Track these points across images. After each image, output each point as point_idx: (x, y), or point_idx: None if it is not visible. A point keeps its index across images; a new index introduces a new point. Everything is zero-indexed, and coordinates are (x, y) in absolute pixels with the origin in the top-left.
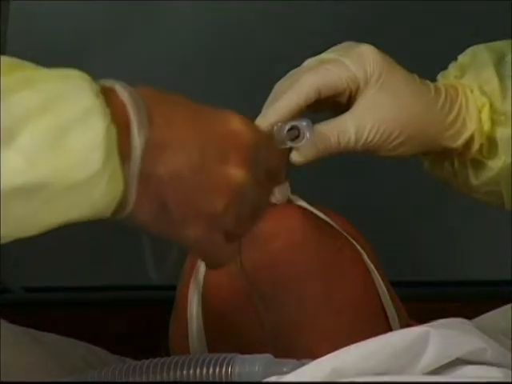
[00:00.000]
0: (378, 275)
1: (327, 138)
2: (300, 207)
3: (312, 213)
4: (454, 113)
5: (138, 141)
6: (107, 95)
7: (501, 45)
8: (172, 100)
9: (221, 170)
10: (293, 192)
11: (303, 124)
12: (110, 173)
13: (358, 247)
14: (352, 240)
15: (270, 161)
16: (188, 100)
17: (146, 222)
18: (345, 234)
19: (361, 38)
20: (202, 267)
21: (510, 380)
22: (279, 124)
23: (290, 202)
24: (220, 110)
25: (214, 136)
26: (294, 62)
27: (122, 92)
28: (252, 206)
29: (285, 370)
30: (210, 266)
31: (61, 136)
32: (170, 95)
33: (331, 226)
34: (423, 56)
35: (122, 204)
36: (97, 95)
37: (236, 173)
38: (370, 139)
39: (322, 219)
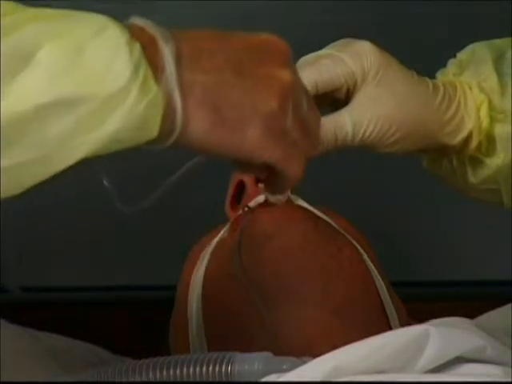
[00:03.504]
0: (378, 275)
1: (324, 133)
2: (300, 207)
3: (312, 213)
4: (452, 110)
5: (166, 49)
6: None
7: (500, 42)
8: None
9: (264, 72)
10: (293, 192)
11: None
12: (140, 81)
13: (359, 247)
14: (352, 240)
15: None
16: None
17: (203, 132)
18: (345, 233)
19: (361, 36)
20: (201, 268)
21: (510, 378)
22: None
23: (290, 201)
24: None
25: (247, 43)
26: (293, 59)
27: (140, 20)
28: (307, 116)
29: (284, 367)
30: (276, 187)
31: (80, 51)
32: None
33: (331, 225)
34: (423, 56)
35: (170, 117)
36: (112, 20)
37: (280, 73)
38: (367, 135)
39: (322, 219)
